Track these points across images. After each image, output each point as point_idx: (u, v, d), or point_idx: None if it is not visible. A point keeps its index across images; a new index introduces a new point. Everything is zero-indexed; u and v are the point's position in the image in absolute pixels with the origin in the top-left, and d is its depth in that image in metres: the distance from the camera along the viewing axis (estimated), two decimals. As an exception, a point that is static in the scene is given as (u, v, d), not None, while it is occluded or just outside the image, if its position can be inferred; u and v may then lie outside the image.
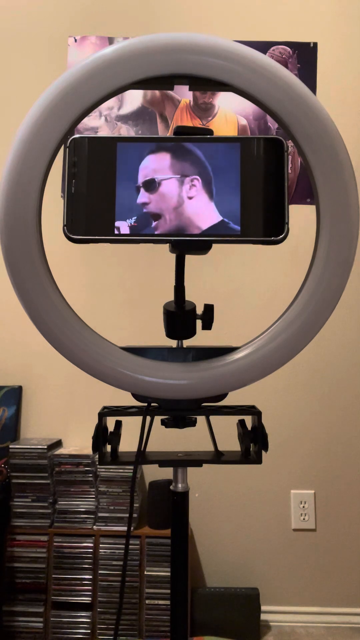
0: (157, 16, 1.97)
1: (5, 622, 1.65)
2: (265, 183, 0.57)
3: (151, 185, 0.56)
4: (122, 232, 0.56)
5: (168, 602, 1.36)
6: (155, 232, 0.56)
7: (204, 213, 0.56)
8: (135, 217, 0.56)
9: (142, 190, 0.56)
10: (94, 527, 1.69)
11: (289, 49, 1.93)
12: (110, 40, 1.95)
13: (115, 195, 0.56)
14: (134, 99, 1.93)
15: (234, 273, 1.92)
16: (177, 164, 0.57)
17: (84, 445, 1.85)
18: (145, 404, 0.66)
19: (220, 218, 0.56)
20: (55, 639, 1.64)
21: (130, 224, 0.56)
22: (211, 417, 0.69)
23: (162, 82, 0.57)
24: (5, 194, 0.54)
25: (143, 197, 0.56)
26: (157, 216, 0.56)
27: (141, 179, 0.56)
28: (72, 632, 1.64)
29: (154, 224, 0.56)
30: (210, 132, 0.58)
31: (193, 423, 0.69)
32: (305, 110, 0.55)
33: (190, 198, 0.56)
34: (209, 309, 0.66)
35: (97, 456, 1.05)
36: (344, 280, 0.57)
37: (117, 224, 0.56)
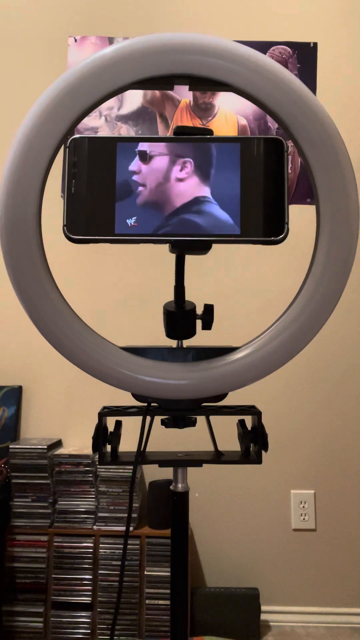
0: (157, 16, 1.97)
1: (5, 622, 1.65)
2: (265, 183, 0.57)
3: (143, 156, 0.56)
4: (122, 232, 0.56)
5: (168, 602, 1.36)
6: (137, 201, 0.56)
7: (188, 195, 0.56)
8: (135, 218, 0.56)
9: (136, 158, 0.57)
10: (94, 527, 1.69)
11: (289, 49, 1.93)
12: (110, 40, 1.95)
13: (115, 195, 0.56)
14: (134, 99, 1.93)
15: (234, 273, 1.92)
16: (175, 144, 0.57)
17: (84, 445, 1.85)
18: (145, 404, 0.66)
19: (193, 196, 0.56)
20: (55, 639, 1.64)
21: (130, 223, 0.56)
22: (211, 417, 0.70)
23: (162, 82, 0.57)
24: (5, 194, 0.54)
25: (135, 165, 0.57)
26: (142, 188, 0.56)
27: (139, 147, 0.57)
28: (72, 632, 1.64)
29: (138, 196, 0.56)
30: (210, 132, 0.58)
31: (193, 423, 0.69)
32: (305, 110, 0.55)
33: (180, 180, 0.56)
34: (209, 309, 0.66)
35: (97, 456, 1.05)
36: (344, 280, 0.57)
37: (117, 223, 0.56)
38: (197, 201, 0.56)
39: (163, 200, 0.56)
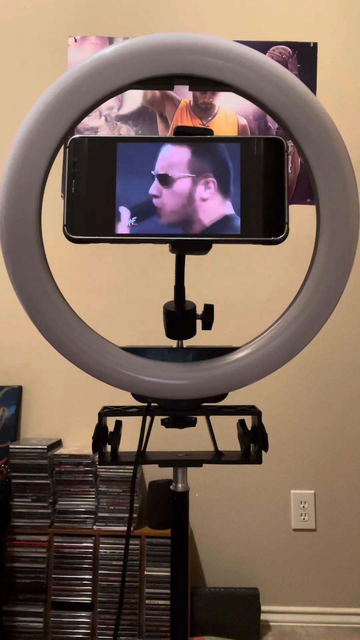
0: (157, 16, 1.97)
1: (5, 622, 1.65)
2: (265, 183, 0.57)
3: (165, 180, 0.56)
4: (122, 232, 0.56)
5: (168, 602, 1.36)
6: (160, 226, 0.55)
7: (214, 214, 0.56)
8: (135, 217, 0.56)
9: (156, 181, 0.56)
10: (94, 527, 1.69)
11: (289, 49, 1.93)
12: (110, 40, 1.95)
13: (116, 195, 0.56)
14: (134, 99, 1.93)
15: (234, 273, 1.92)
16: (196, 161, 0.56)
17: (84, 445, 1.85)
18: (145, 404, 0.66)
19: (222, 214, 0.56)
20: (55, 639, 1.64)
21: (131, 223, 0.56)
22: (211, 417, 0.70)
23: (162, 82, 0.57)
24: (5, 195, 0.54)
25: (155, 189, 0.56)
26: (164, 211, 0.56)
27: (158, 169, 0.56)
28: (72, 632, 1.64)
29: (161, 217, 0.56)
30: (210, 132, 0.58)
31: (193, 423, 0.69)
32: (305, 110, 0.55)
33: (203, 200, 0.56)
34: (209, 309, 0.66)
35: (97, 456, 1.05)
36: (344, 280, 0.57)
37: (117, 223, 0.56)
38: (227, 218, 0.56)
39: (189, 220, 0.56)
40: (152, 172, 0.56)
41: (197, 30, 1.91)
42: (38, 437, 1.88)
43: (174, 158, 0.56)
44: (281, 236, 0.56)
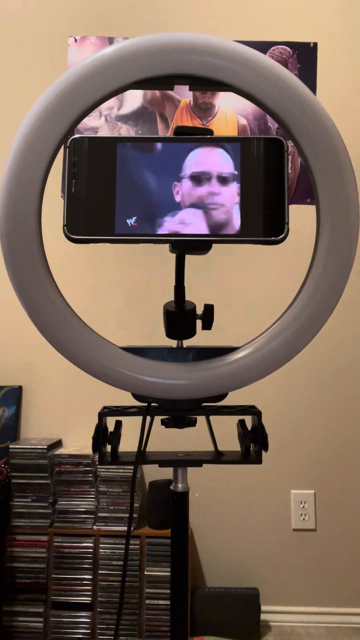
0: (157, 16, 1.97)
1: (5, 622, 1.65)
2: (265, 183, 0.57)
3: (227, 180, 0.56)
4: (122, 232, 0.56)
5: (168, 602, 1.36)
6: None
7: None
8: (135, 217, 0.56)
9: (214, 180, 0.56)
10: (94, 527, 1.69)
11: (289, 49, 1.93)
12: (110, 40, 1.95)
13: (116, 195, 0.56)
14: (134, 99, 1.93)
15: (234, 273, 1.92)
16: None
17: (84, 445, 1.85)
18: (145, 404, 0.66)
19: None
20: (55, 639, 1.64)
21: (131, 224, 0.56)
22: (211, 417, 0.70)
23: (162, 82, 0.57)
24: (5, 194, 0.54)
25: (214, 187, 0.56)
26: (211, 209, 0.56)
27: (209, 168, 0.56)
28: (72, 632, 1.64)
29: (205, 218, 0.56)
30: (210, 132, 0.58)
31: (193, 423, 0.69)
32: (305, 110, 0.55)
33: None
34: (209, 309, 0.66)
35: (97, 456, 1.05)
36: (344, 280, 0.57)
37: (116, 223, 0.56)
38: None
39: (227, 221, 0.56)
40: (189, 173, 0.56)
41: (197, 30, 1.91)
42: (38, 437, 1.88)
43: (222, 160, 0.56)
44: (281, 236, 0.56)
